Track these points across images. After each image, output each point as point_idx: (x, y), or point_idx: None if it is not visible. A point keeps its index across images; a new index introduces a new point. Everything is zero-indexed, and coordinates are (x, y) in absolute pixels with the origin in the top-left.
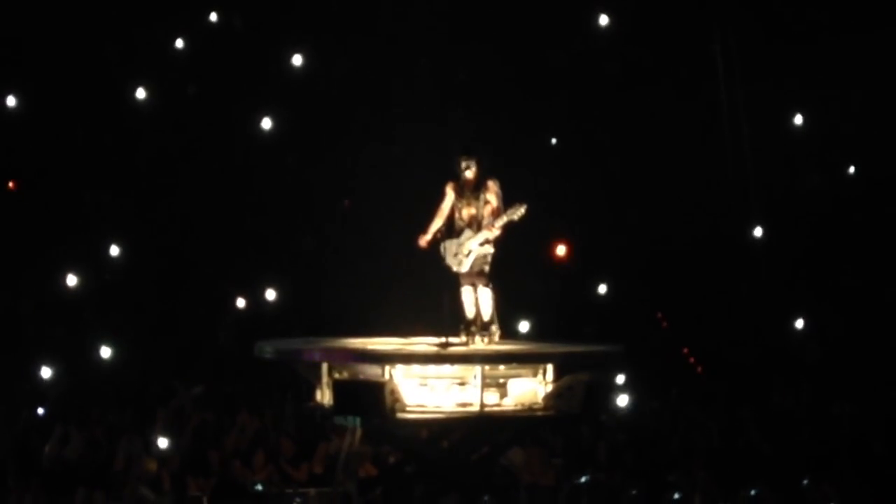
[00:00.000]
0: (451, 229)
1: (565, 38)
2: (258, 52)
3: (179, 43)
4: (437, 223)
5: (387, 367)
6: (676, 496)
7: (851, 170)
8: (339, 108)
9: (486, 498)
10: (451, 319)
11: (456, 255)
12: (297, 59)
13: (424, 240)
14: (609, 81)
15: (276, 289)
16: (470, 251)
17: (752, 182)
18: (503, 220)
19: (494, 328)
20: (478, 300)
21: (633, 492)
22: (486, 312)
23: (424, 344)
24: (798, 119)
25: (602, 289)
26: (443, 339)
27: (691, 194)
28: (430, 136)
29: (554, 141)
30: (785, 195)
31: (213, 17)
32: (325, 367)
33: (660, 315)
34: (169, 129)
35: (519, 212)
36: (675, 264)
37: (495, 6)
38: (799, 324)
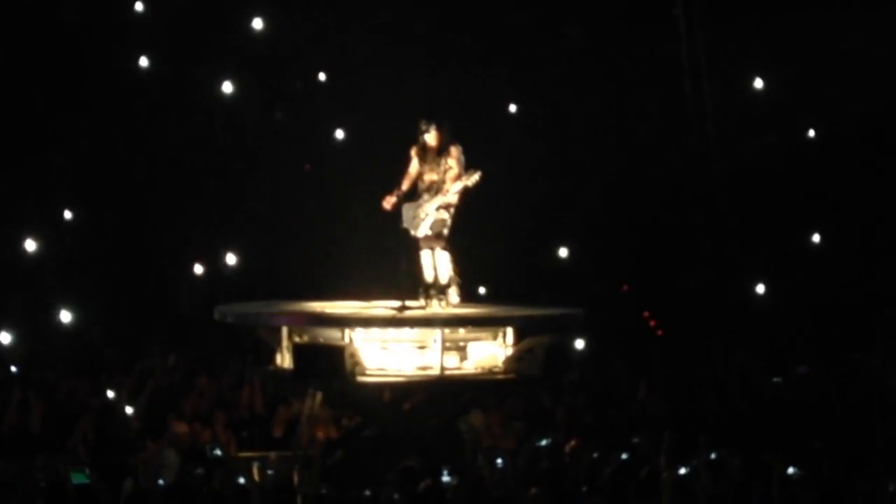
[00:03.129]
0: (413, 193)
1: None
2: (217, 14)
3: (139, 6)
4: (404, 186)
5: (346, 331)
6: (638, 457)
7: (811, 133)
8: (298, 70)
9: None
10: (408, 282)
11: (414, 218)
12: (257, 21)
13: (389, 202)
14: (569, 45)
15: (236, 253)
16: (427, 215)
17: (713, 145)
18: (458, 185)
19: (454, 290)
20: (436, 263)
21: (595, 454)
22: (444, 275)
23: (383, 307)
24: (758, 82)
25: (562, 252)
26: (401, 303)
27: (652, 157)
28: (391, 101)
29: (513, 107)
30: (745, 157)
31: None
32: (284, 330)
33: (624, 287)
34: (129, 93)
35: (473, 178)
36: (636, 227)
37: None
38: (760, 287)
